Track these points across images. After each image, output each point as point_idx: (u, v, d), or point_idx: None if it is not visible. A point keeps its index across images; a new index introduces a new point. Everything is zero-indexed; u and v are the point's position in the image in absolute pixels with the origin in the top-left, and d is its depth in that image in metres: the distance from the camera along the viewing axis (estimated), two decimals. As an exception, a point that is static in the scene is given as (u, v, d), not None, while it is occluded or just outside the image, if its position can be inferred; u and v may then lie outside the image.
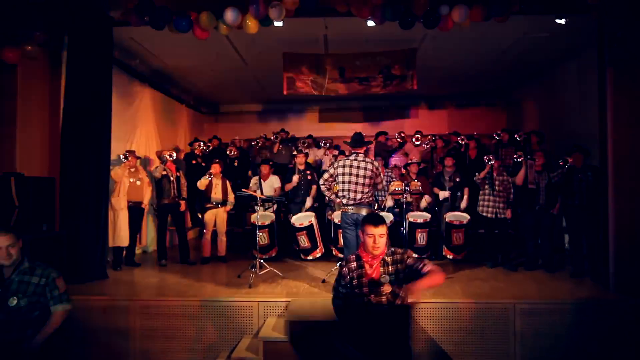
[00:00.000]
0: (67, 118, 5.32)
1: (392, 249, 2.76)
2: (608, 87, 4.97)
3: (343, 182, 4.74)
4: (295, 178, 6.96)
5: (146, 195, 6.42)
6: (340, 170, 4.77)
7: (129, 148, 6.73)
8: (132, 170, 6.25)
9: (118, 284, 5.31)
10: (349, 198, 4.70)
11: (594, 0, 4.66)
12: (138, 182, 6.28)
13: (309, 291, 4.98)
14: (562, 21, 5.17)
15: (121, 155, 6.22)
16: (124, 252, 6.25)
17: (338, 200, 4.83)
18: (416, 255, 2.79)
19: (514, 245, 6.48)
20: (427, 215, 6.57)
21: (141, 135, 7.53)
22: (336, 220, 6.26)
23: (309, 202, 6.96)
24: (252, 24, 5.01)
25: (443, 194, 6.76)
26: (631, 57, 4.73)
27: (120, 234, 6.05)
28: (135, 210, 6.26)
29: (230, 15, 4.90)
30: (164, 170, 6.38)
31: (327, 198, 5.42)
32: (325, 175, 4.90)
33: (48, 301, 2.90)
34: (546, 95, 8.58)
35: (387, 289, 2.64)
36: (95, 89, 5.38)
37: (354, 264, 2.68)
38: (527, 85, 9.33)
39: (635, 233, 4.84)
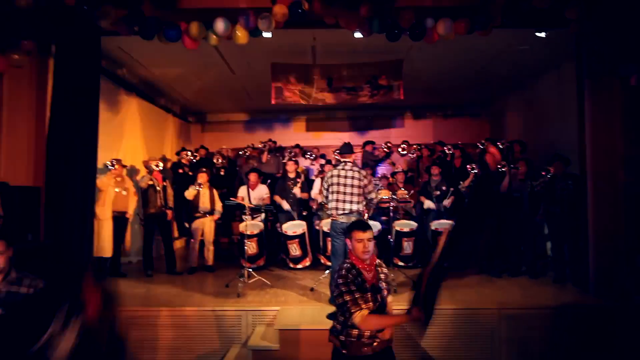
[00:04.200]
0: (54, 126, 5.26)
1: (378, 261, 2.80)
2: (586, 98, 5.16)
3: (332, 192, 4.81)
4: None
5: (131, 205, 6.37)
6: (330, 181, 4.83)
7: (116, 157, 6.68)
8: (118, 179, 6.21)
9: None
10: (337, 208, 4.76)
11: (572, 14, 4.84)
12: (124, 192, 6.24)
13: (298, 299, 4.99)
14: (543, 34, 5.34)
15: (108, 163, 6.16)
16: (109, 263, 6.16)
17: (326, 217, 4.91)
18: (386, 271, 2.85)
19: (497, 252, 6.59)
20: (414, 224, 6.66)
21: (128, 144, 7.49)
22: (325, 229, 6.30)
23: (285, 204, 6.93)
24: (241, 35, 5.06)
25: (428, 204, 6.86)
26: (607, 70, 4.92)
27: (103, 244, 5.98)
28: (120, 220, 6.21)
29: (220, 25, 4.94)
30: (151, 179, 6.34)
31: (314, 207, 5.43)
32: (324, 192, 4.97)
33: None
34: (528, 106, 8.81)
35: (387, 297, 2.69)
36: (82, 97, 5.34)
37: (354, 271, 2.63)
38: (509, 96, 9.57)
39: (613, 239, 4.99)
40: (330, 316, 2.86)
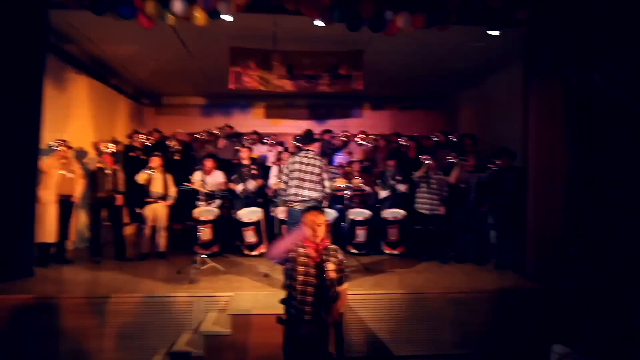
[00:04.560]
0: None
1: (334, 246, 2.98)
2: (531, 96, 5.47)
3: (292, 179, 4.82)
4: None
5: (78, 188, 6.06)
6: (291, 167, 4.85)
7: (61, 138, 6.33)
8: (64, 161, 5.89)
9: (45, 282, 5.01)
10: (296, 194, 4.79)
11: (522, 15, 5.10)
12: (70, 174, 5.93)
13: (252, 285, 5.01)
14: (495, 33, 5.59)
15: (52, 144, 5.84)
16: (53, 249, 5.87)
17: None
18: (341, 257, 2.97)
19: (446, 240, 6.91)
20: (368, 213, 6.81)
21: (75, 125, 7.12)
22: (280, 216, 6.32)
23: (251, 184, 6.87)
24: (200, 16, 4.93)
25: (384, 194, 7.04)
26: (551, 70, 5.23)
27: (47, 229, 5.68)
28: (65, 204, 5.90)
29: (177, 5, 4.78)
30: (100, 162, 6.08)
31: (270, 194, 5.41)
32: (284, 178, 4.96)
33: None
34: (479, 101, 9.19)
35: (332, 273, 2.77)
36: (26, 73, 5.03)
37: (301, 250, 2.81)
38: (463, 91, 9.94)
39: (549, 229, 5.37)
40: (283, 301, 2.93)
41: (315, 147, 5.05)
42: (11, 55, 4.94)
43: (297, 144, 5.10)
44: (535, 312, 4.78)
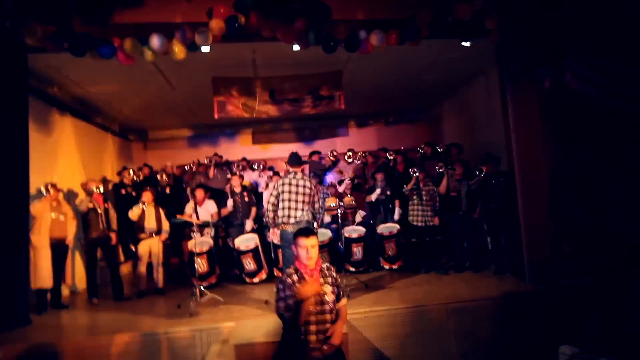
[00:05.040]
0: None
1: (327, 265, 2.96)
2: (509, 101, 5.62)
3: (283, 200, 4.85)
4: (230, 202, 6.92)
5: (70, 231, 6.01)
6: (280, 189, 4.88)
7: (50, 181, 6.31)
8: (54, 204, 5.86)
9: (44, 329, 4.91)
10: (289, 216, 4.81)
11: (491, 25, 5.28)
12: (61, 217, 5.89)
13: (253, 313, 4.96)
14: (468, 44, 5.77)
15: (42, 188, 5.81)
16: (49, 295, 5.78)
17: (274, 230, 4.96)
18: (334, 274, 2.96)
19: (443, 250, 6.93)
20: (362, 230, 6.83)
21: (63, 166, 7.10)
22: (276, 241, 6.30)
23: (248, 224, 6.93)
24: (178, 50, 5.01)
25: (375, 194, 7.10)
26: (525, 75, 5.40)
27: (42, 274, 5.58)
28: (58, 248, 5.83)
29: (155, 41, 4.86)
30: (90, 202, 6.06)
31: (265, 220, 5.44)
32: (272, 200, 4.95)
33: None
34: (461, 110, 9.37)
35: (330, 297, 2.75)
36: (9, 119, 5.04)
37: (295, 276, 2.78)
38: (445, 101, 10.14)
39: (541, 229, 5.43)
40: (283, 327, 2.91)
41: (304, 168, 5.11)
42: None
43: (288, 167, 5.14)
44: (537, 314, 4.79)
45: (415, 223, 6.50)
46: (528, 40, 5.23)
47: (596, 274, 5.08)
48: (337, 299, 2.88)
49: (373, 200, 7.20)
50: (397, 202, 7.08)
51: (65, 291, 6.39)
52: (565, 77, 4.92)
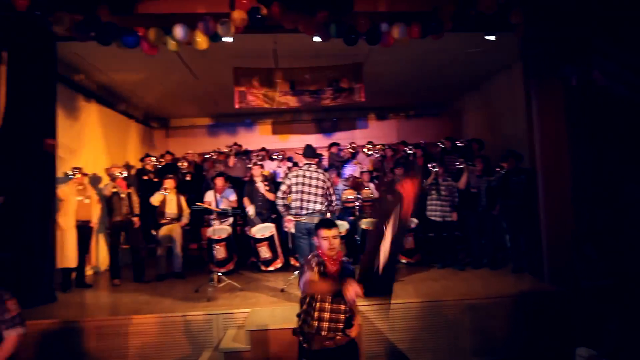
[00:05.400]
0: (8, 134, 5.10)
1: (346, 258, 2.94)
2: (533, 98, 5.49)
3: (297, 192, 4.92)
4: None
5: (95, 214, 6.24)
6: (294, 181, 4.95)
7: (76, 165, 6.52)
8: (80, 188, 6.07)
9: (68, 306, 5.12)
10: (301, 208, 4.87)
11: (516, 19, 5.16)
12: (86, 201, 6.10)
13: (269, 301, 5.04)
14: (492, 38, 5.66)
15: (68, 172, 6.02)
16: (74, 274, 6.01)
17: (288, 217, 5.01)
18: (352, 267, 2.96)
19: (460, 246, 6.87)
20: (380, 222, 6.81)
21: (89, 152, 7.32)
22: (292, 231, 6.37)
23: (251, 210, 6.95)
24: (201, 40, 5.08)
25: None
26: (550, 71, 5.26)
27: (67, 254, 5.83)
28: (83, 230, 6.06)
29: (179, 31, 4.94)
30: (114, 187, 6.24)
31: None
32: (283, 188, 5.04)
33: (0, 325, 2.78)
34: (483, 105, 9.21)
35: (350, 293, 2.77)
36: (39, 105, 5.22)
37: (315, 260, 2.80)
38: (467, 96, 9.98)
39: (563, 229, 5.33)
40: (299, 315, 2.95)
41: (318, 160, 5.13)
42: (25, 88, 5.13)
43: (302, 158, 5.19)
44: (555, 314, 4.73)
45: (433, 218, 6.46)
46: (554, 35, 5.09)
47: (617, 276, 4.97)
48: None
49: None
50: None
51: (88, 271, 6.62)
52: (592, 73, 4.79)
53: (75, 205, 5.95)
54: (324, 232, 2.79)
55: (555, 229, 5.36)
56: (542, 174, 5.45)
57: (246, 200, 6.98)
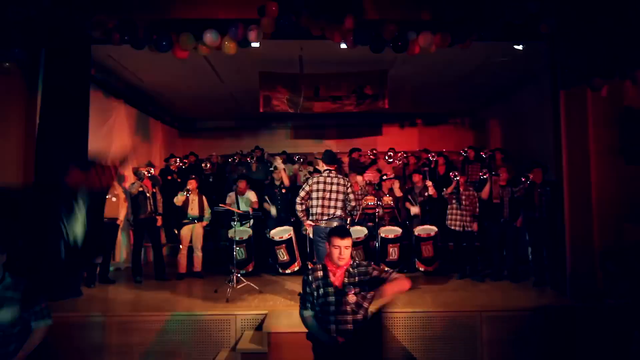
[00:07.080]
0: (42, 134, 5.30)
1: (357, 262, 2.89)
2: (561, 109, 5.40)
3: (317, 198, 4.97)
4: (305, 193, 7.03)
5: (122, 212, 6.42)
6: (314, 187, 5.01)
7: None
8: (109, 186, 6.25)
9: (92, 301, 5.27)
10: (321, 213, 4.92)
11: (546, 29, 5.09)
12: (114, 199, 6.29)
13: (286, 304, 5.09)
14: (520, 47, 5.60)
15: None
16: (98, 269, 6.19)
17: (308, 222, 5.08)
18: (382, 267, 2.94)
19: (480, 257, 6.78)
20: (399, 230, 6.80)
21: (117, 151, 7.52)
22: (311, 235, 6.41)
23: (273, 210, 7.03)
24: (230, 46, 5.20)
25: (414, 210, 7.03)
26: (580, 82, 5.17)
27: (93, 250, 6.01)
28: (110, 227, 6.25)
29: (209, 37, 5.07)
30: (141, 186, 6.40)
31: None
32: (302, 194, 5.10)
33: (30, 317, 2.90)
34: (509, 115, 9.09)
35: (351, 298, 2.74)
36: (72, 105, 5.40)
37: (320, 273, 2.81)
38: (491, 105, 9.86)
39: (587, 244, 5.21)
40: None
41: (337, 167, 5.16)
42: (60, 88, 5.32)
43: (322, 164, 5.24)
44: (576, 331, 4.62)
45: (452, 227, 6.41)
46: (585, 47, 5.00)
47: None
48: (382, 282, 2.73)
49: (412, 214, 7.12)
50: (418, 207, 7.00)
51: (112, 268, 6.80)
52: (624, 86, 4.68)
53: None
54: (337, 241, 2.74)
55: (579, 243, 5.25)
56: (567, 186, 5.34)
57: (266, 205, 7.07)
